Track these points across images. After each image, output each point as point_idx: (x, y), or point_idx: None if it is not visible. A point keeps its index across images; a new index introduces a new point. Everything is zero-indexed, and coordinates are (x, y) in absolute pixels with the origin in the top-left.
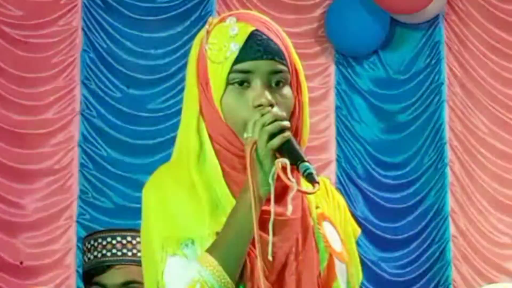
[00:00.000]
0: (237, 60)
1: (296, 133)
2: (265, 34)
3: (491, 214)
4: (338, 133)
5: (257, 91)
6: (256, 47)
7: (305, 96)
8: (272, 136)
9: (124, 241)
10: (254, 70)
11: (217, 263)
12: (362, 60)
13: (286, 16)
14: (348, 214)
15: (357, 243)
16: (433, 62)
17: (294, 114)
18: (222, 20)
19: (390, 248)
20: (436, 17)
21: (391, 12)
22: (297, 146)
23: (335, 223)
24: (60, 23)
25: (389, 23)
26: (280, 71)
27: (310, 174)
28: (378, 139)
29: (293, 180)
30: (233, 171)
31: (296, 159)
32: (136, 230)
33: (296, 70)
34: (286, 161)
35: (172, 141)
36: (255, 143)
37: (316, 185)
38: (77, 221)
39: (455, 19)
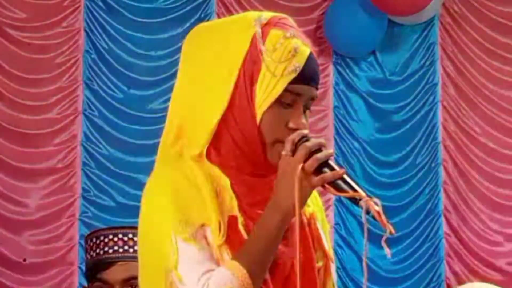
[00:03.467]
0: (293, 80)
1: None
2: (315, 59)
3: (483, 213)
4: (336, 132)
5: (297, 115)
6: (311, 71)
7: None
8: (321, 165)
9: (125, 238)
10: (303, 93)
11: (248, 276)
12: (359, 61)
13: None
14: (322, 209)
15: (354, 239)
16: (427, 63)
17: None
18: (279, 26)
19: None
20: (431, 19)
21: (389, 13)
22: (352, 179)
23: (319, 222)
24: (63, 25)
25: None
26: (315, 98)
27: (369, 212)
28: (374, 138)
29: (389, 223)
30: (237, 172)
31: (346, 190)
32: (137, 227)
33: None
34: (378, 202)
35: None
36: (303, 168)
37: (390, 226)
38: (80, 219)
39: (449, 21)
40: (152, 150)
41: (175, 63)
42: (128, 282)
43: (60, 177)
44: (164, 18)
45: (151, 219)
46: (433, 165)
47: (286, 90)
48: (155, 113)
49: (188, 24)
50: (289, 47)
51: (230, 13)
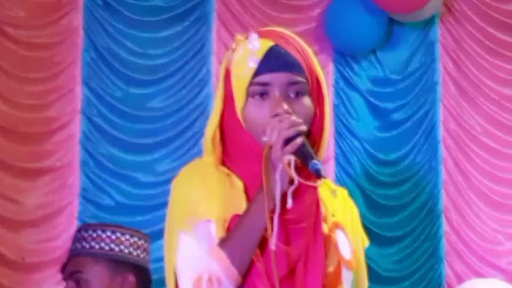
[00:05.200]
0: (257, 73)
1: (316, 141)
2: (283, 48)
3: (483, 212)
4: (336, 131)
5: (275, 102)
6: (274, 60)
7: (327, 107)
8: (287, 141)
9: (80, 234)
10: (272, 82)
11: (226, 257)
12: (360, 59)
13: (285, 15)
14: (360, 225)
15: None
16: (428, 61)
17: (314, 123)
18: (247, 37)
19: (384, 244)
20: (431, 17)
21: (390, 11)
22: (309, 148)
23: (347, 232)
24: (61, 23)
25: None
26: (297, 83)
27: (317, 169)
28: (374, 137)
29: (295, 174)
30: (252, 176)
31: (306, 159)
32: (98, 224)
33: (317, 82)
34: (291, 157)
35: (171, 139)
36: (271, 147)
37: (322, 179)
38: (78, 218)
39: (450, 19)
40: (152, 149)
41: (174, 61)
42: (73, 276)
43: (58, 176)
44: (163, 17)
45: (167, 213)
46: (433, 163)
47: (254, 83)
48: (154, 111)
49: (187, 23)
50: (248, 49)
51: (229, 11)
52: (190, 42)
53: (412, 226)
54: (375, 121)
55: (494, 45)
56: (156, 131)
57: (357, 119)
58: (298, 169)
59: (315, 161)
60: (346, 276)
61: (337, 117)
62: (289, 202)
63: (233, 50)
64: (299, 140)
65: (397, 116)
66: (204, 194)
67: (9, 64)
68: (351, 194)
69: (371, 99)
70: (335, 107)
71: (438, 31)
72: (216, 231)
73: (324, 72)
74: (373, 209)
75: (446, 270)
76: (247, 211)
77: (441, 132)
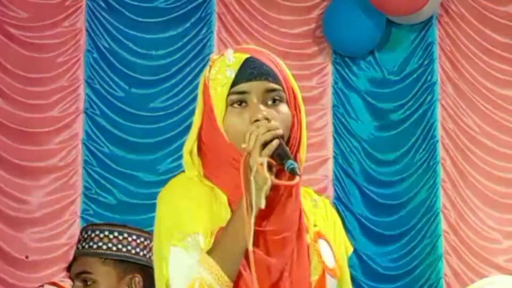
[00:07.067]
0: (234, 83)
1: (294, 148)
2: (258, 59)
3: (481, 210)
4: (335, 131)
5: (253, 108)
6: (250, 70)
7: (303, 116)
8: (265, 145)
9: (87, 234)
10: (249, 90)
11: (215, 263)
12: (358, 60)
13: (284, 17)
14: (343, 233)
15: (353, 238)
16: (426, 62)
17: (292, 130)
18: (222, 54)
19: (383, 242)
20: (429, 19)
21: (387, 13)
22: (285, 149)
23: (330, 241)
24: (64, 25)
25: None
26: (274, 90)
27: (293, 168)
28: (373, 137)
29: (268, 174)
30: (234, 188)
31: (282, 160)
32: (104, 224)
33: (293, 92)
34: (264, 159)
35: (172, 139)
36: (249, 153)
37: (297, 177)
38: (81, 217)
39: (448, 21)
40: (153, 148)
41: (176, 62)
42: (80, 276)
43: (61, 175)
44: (164, 18)
45: (155, 227)
46: (431, 163)
47: (232, 93)
48: (156, 111)
49: (188, 24)
50: (224, 63)
51: (230, 13)
52: (191, 43)
53: (411, 224)
54: (374, 121)
55: (491, 46)
56: (158, 130)
57: (356, 119)
58: (279, 174)
59: (290, 161)
60: (331, 284)
61: (336, 117)
62: (263, 203)
63: (210, 67)
64: (275, 142)
65: (395, 116)
66: (190, 207)
67: (13, 65)
68: (350, 193)
69: (369, 99)
70: (334, 107)
71: (436, 32)
72: (204, 243)
73: (323, 73)
74: (371, 208)
75: (444, 268)
76: (230, 218)
77: (439, 131)
